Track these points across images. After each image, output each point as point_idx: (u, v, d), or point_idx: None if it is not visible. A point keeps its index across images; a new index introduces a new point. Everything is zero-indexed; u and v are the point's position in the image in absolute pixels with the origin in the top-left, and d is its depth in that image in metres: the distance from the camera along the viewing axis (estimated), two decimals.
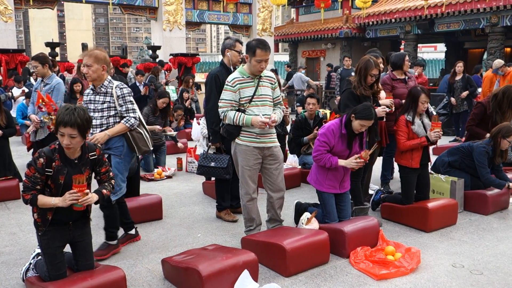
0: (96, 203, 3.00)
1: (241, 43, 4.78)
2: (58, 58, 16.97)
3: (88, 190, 2.89)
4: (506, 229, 4.55)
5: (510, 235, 4.38)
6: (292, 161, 6.77)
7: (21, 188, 3.05)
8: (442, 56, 25.09)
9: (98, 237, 4.30)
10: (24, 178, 2.92)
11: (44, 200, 2.86)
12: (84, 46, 16.47)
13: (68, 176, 2.89)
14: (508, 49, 18.15)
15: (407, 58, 5.60)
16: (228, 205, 4.91)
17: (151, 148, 4.02)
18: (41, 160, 2.84)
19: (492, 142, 4.95)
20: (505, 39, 16.14)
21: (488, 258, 3.85)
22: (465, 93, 9.12)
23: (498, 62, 9.64)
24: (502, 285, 3.37)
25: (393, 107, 4.88)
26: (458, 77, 9.33)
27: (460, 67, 9.33)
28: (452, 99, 9.23)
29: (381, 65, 5.37)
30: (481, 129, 5.61)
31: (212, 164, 4.65)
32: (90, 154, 3.03)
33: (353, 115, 3.91)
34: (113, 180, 3.20)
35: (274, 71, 15.14)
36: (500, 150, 4.94)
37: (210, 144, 4.82)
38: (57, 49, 16.72)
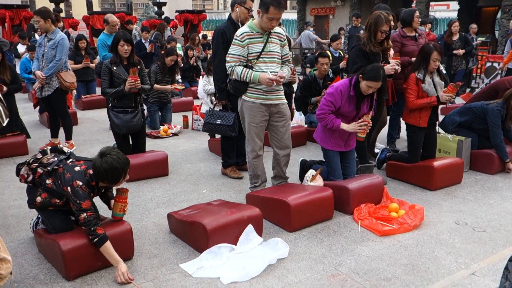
0: None
1: (252, 0, 4.65)
2: (62, 15, 16.72)
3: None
4: (511, 188, 4.55)
5: None
6: (299, 119, 6.74)
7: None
8: (454, 15, 24.41)
9: None
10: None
11: (110, 251, 2.87)
12: (89, 2, 16.21)
13: None
14: None
15: (417, 14, 5.45)
16: (233, 162, 4.93)
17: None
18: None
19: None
20: None
21: (491, 216, 3.87)
22: (461, 51, 8.97)
23: None
24: (504, 242, 3.40)
25: (399, 69, 4.75)
26: (455, 37, 9.12)
27: (456, 27, 9.09)
28: (460, 51, 9.00)
29: (392, 22, 5.24)
30: None
31: (218, 121, 4.63)
32: None
33: (361, 75, 3.83)
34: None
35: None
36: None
37: (216, 101, 4.78)
38: (62, 5, 16.48)
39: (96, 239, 2.81)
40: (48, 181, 2.97)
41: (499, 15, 17.29)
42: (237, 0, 4.57)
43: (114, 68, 4.68)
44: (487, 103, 5.02)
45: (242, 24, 4.47)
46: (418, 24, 5.48)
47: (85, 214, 2.80)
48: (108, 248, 2.84)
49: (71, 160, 3.06)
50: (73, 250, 2.81)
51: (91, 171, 2.89)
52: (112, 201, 3.18)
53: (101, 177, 2.86)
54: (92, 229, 2.81)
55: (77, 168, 2.92)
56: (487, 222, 3.75)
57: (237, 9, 4.56)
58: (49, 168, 2.96)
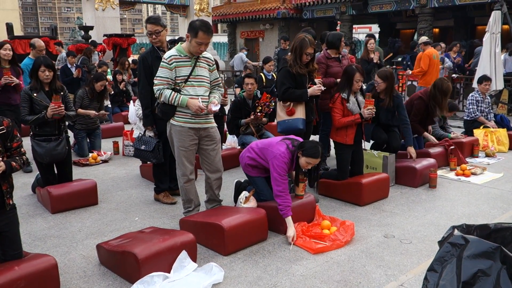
0: (2, 174, 2.81)
1: (152, 22, 4.48)
2: None
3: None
4: (433, 200, 4.82)
5: (437, 205, 4.64)
6: (232, 141, 6.77)
7: None
8: (376, 36, 25.85)
9: (28, 225, 4.14)
10: None
11: None
12: (9, 27, 15.45)
13: None
14: (436, 30, 19.01)
15: (343, 39, 5.70)
16: (166, 187, 4.85)
17: None
18: None
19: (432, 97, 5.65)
20: (434, 20, 16.89)
21: (416, 228, 4.06)
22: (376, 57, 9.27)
23: (422, 38, 10.04)
24: (428, 252, 3.57)
25: (322, 87, 4.90)
26: (371, 55, 9.56)
27: (371, 44, 9.30)
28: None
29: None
30: (420, 126, 5.91)
31: (143, 147, 4.59)
32: None
33: (300, 151, 3.81)
34: (24, 156, 3.03)
35: None
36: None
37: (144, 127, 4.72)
38: None
39: None
40: None
41: (415, 37, 18.53)
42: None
43: (35, 94, 4.48)
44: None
45: (159, 48, 4.51)
46: (343, 47, 5.73)
47: None
48: None
49: None
50: None
51: None
52: None
53: None
54: None
55: None
56: (412, 234, 3.93)
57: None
58: None
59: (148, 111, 4.50)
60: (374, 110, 4.69)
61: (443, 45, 11.53)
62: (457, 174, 5.72)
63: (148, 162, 5.42)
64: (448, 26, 19.19)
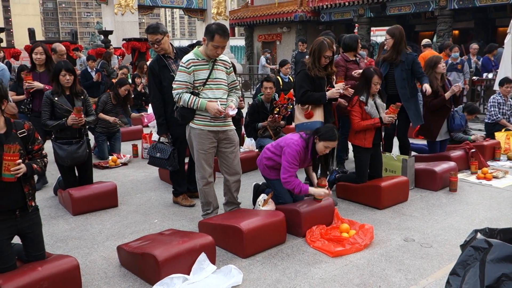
0: (24, 176, 2.85)
1: (151, 31, 4.41)
2: (3, 44, 16.19)
3: (20, 161, 2.78)
4: (454, 204, 4.75)
5: (457, 209, 4.58)
6: (249, 144, 6.78)
7: None
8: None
9: (50, 227, 4.21)
10: None
11: None
12: (31, 32, 15.78)
13: None
14: (456, 32, 18.79)
15: (359, 40, 5.69)
16: (184, 189, 4.88)
17: None
18: None
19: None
20: (453, 22, 16.69)
21: (437, 232, 4.01)
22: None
23: (424, 41, 9.80)
24: (449, 257, 3.52)
25: (345, 92, 4.90)
26: None
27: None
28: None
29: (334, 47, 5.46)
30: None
31: (158, 154, 4.62)
32: (19, 131, 2.91)
33: (316, 137, 3.87)
34: (46, 159, 3.07)
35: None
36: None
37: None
38: (2, 35, 15.97)
39: None
40: None
41: (435, 39, 18.34)
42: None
43: (56, 98, 4.56)
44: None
45: (164, 55, 4.49)
46: (360, 49, 5.72)
47: None
48: None
49: None
50: None
51: None
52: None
53: None
54: None
55: None
56: (433, 238, 3.88)
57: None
58: None
59: (162, 119, 4.53)
60: (395, 118, 4.66)
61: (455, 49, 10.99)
62: (478, 178, 5.63)
63: None
64: (468, 28, 18.96)
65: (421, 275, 3.24)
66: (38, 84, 5.31)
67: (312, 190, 3.93)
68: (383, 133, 4.87)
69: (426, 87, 5.25)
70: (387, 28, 5.78)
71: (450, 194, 5.07)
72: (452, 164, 5.42)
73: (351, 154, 5.68)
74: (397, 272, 3.28)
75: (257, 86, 10.21)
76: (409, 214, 4.45)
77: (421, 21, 20.17)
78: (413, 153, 6.07)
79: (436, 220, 4.29)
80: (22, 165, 2.78)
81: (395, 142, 5.69)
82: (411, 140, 5.99)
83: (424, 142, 6.34)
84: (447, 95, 5.63)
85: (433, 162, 5.45)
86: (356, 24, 20.66)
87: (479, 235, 1.77)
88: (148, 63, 13.69)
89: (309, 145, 3.91)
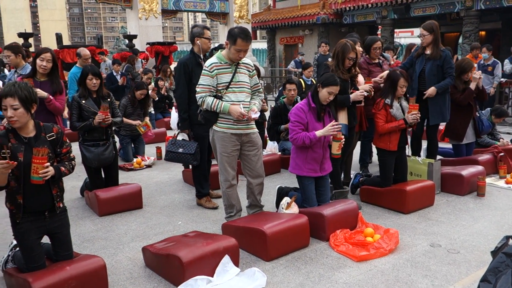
0: (52, 178, 2.89)
1: (208, 29, 4.79)
2: (32, 49, 16.57)
3: (48, 164, 2.83)
4: (482, 209, 4.65)
5: (485, 214, 4.48)
6: (272, 147, 6.77)
7: None
8: (418, 40, 25.28)
9: (77, 227, 4.28)
10: None
11: None
12: (58, 37, 16.10)
13: (27, 153, 2.81)
14: (482, 33, 18.41)
15: (375, 45, 5.56)
16: (207, 192, 4.91)
17: None
18: None
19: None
20: (480, 23, 16.35)
21: (464, 237, 3.93)
22: None
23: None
24: (477, 263, 3.45)
25: (372, 92, 4.89)
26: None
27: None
28: None
29: (360, 49, 5.43)
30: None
31: (180, 150, 4.67)
32: (48, 135, 2.97)
33: (319, 85, 3.99)
34: (73, 161, 3.13)
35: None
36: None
37: (179, 130, 4.82)
38: (31, 40, 16.35)
39: None
40: None
41: (460, 40, 18.02)
42: (195, 34, 4.71)
43: (83, 101, 4.65)
44: None
45: (205, 55, 4.68)
46: (376, 55, 5.61)
47: None
48: None
49: None
50: None
51: None
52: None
53: None
54: None
55: None
56: (460, 244, 3.81)
57: (198, 41, 4.68)
58: None
59: (186, 115, 4.63)
60: (419, 115, 4.58)
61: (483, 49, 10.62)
62: (507, 182, 5.49)
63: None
64: (495, 28, 18.52)
65: (448, 281, 3.18)
66: (41, 92, 4.32)
67: (319, 132, 3.93)
68: (409, 136, 4.79)
69: (429, 90, 5.16)
70: (410, 29, 5.71)
71: (477, 199, 4.96)
72: (479, 168, 5.31)
73: (375, 157, 5.62)
74: (424, 278, 3.23)
75: (280, 88, 10.21)
76: (435, 219, 4.38)
77: (446, 22, 19.79)
78: (438, 156, 5.97)
79: (464, 226, 4.21)
80: (51, 168, 2.83)
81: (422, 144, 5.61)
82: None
83: (450, 145, 6.23)
84: (472, 85, 5.53)
85: (460, 166, 5.35)
86: (379, 26, 20.44)
87: (511, 241, 1.73)
88: (172, 66, 13.86)
89: (309, 95, 4.05)
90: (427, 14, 17.64)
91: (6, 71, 12.76)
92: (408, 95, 4.85)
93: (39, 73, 4.55)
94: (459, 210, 4.63)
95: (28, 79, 4.39)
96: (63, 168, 2.97)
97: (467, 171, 5.13)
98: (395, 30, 21.55)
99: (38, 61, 4.49)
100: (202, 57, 4.67)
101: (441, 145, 6.59)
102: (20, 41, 15.04)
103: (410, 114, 4.52)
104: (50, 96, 4.47)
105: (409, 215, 4.47)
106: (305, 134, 3.93)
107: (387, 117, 4.58)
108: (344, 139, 4.03)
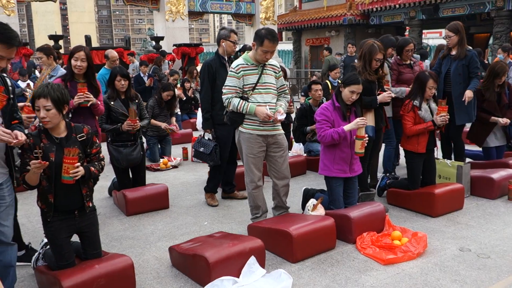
0: (82, 178, 2.94)
1: (236, 33, 4.88)
2: (62, 51, 16.96)
3: (79, 164, 2.88)
4: None
5: None
6: (298, 149, 6.76)
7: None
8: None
9: (105, 226, 4.36)
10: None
11: (29, 173, 2.80)
12: (87, 39, 16.45)
13: (58, 153, 2.88)
14: None
15: (407, 48, 5.45)
16: (214, 190, 5.04)
17: None
18: (27, 140, 2.84)
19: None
20: (511, 23, 15.94)
21: (495, 242, 3.84)
22: None
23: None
24: (509, 269, 3.36)
25: (392, 94, 4.76)
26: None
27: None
28: None
29: (393, 52, 5.41)
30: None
31: (201, 149, 4.79)
32: (79, 135, 3.03)
33: (341, 85, 4.00)
34: (103, 162, 3.18)
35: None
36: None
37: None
38: (61, 42, 16.75)
39: (21, 182, 2.90)
40: None
41: (491, 41, 17.60)
42: (222, 36, 4.80)
43: (112, 103, 4.74)
44: None
45: (229, 57, 4.77)
46: (408, 57, 5.51)
47: None
48: (27, 175, 2.82)
49: None
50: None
51: None
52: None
53: None
54: None
55: None
56: (491, 248, 3.72)
57: (223, 43, 4.76)
58: None
59: (208, 114, 4.72)
60: (448, 116, 4.49)
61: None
62: None
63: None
64: None
65: (478, 286, 3.11)
66: (92, 99, 4.26)
67: (348, 126, 3.92)
68: (437, 139, 4.70)
69: (467, 94, 5.09)
70: (439, 30, 5.64)
71: (508, 203, 4.84)
72: (510, 171, 5.17)
73: (402, 159, 5.54)
74: (453, 283, 3.16)
75: (303, 86, 10.14)
76: (465, 223, 4.29)
77: (476, 22, 19.38)
78: (468, 159, 5.85)
79: (494, 230, 4.11)
80: (81, 168, 2.89)
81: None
82: (466, 147, 5.78)
83: (480, 148, 6.09)
84: (493, 119, 5.42)
85: (490, 169, 5.22)
86: (406, 27, 20.16)
87: None
88: (199, 67, 13.98)
89: (333, 95, 4.07)
90: (456, 15, 17.30)
91: (37, 72, 13.11)
92: (435, 97, 4.76)
93: (76, 75, 4.35)
94: (489, 214, 4.52)
95: (83, 84, 4.25)
96: (92, 168, 3.03)
97: (498, 174, 5.01)
98: (423, 31, 21.22)
99: (72, 61, 4.30)
100: (226, 59, 4.75)
101: (470, 147, 6.45)
102: (51, 43, 15.39)
103: (439, 116, 4.44)
104: (98, 101, 4.36)
105: (438, 219, 4.39)
106: (333, 130, 3.92)
107: (415, 119, 4.52)
108: (367, 138, 3.99)
